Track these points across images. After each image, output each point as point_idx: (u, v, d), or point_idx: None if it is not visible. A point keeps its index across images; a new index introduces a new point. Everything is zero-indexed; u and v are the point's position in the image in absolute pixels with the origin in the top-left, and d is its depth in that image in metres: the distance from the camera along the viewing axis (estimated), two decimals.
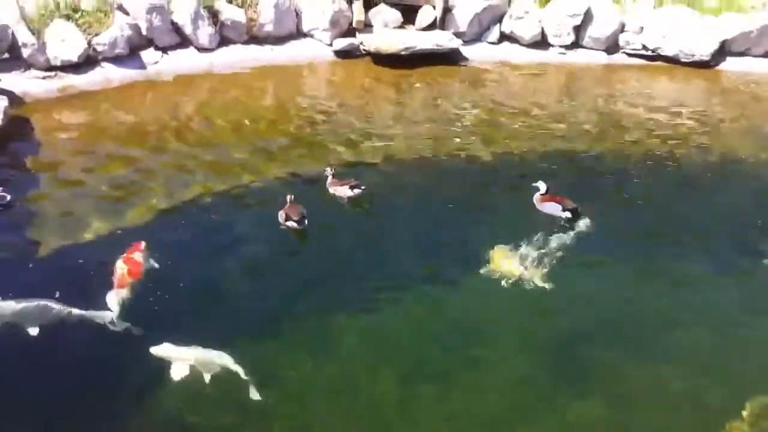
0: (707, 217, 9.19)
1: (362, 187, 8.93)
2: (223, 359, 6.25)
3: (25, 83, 11.22)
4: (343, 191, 8.91)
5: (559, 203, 8.85)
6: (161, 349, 6.27)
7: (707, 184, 10.13)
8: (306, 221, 8.17)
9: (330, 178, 9.05)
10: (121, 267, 7.14)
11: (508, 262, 7.70)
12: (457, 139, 10.98)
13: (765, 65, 14.40)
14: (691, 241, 8.65)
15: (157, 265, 7.38)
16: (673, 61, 14.41)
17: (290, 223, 8.16)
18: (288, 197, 8.35)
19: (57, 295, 6.72)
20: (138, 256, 7.34)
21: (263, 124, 10.90)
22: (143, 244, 7.52)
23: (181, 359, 6.20)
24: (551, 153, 10.76)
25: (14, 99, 10.70)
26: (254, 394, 6.02)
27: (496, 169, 10.28)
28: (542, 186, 9.01)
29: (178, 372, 6.13)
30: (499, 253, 7.84)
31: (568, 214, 8.78)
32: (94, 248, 7.60)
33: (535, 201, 9.04)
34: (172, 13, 12.74)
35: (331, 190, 9.00)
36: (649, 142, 11.31)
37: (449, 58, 14.12)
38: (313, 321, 6.95)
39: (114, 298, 6.85)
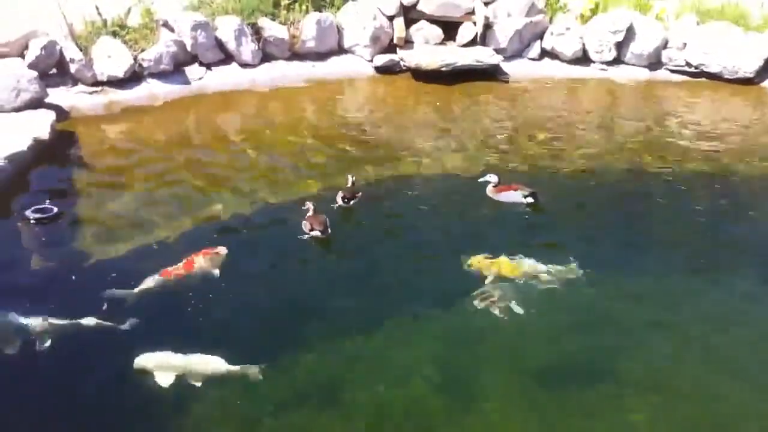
0: (755, 238, 9.01)
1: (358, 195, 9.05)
2: (214, 364, 6.22)
3: (72, 98, 11.44)
4: (305, 225, 8.40)
5: (516, 190, 9.06)
6: (144, 359, 6.23)
7: (750, 203, 9.95)
8: (329, 230, 8.26)
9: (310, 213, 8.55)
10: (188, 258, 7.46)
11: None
12: (494, 155, 10.94)
13: None
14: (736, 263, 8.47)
15: (216, 274, 7.49)
16: (716, 77, 14.28)
17: (314, 233, 8.23)
18: (309, 205, 8.46)
19: (103, 307, 6.81)
20: (202, 259, 7.53)
21: (303, 139, 10.96)
22: (222, 250, 7.73)
23: (167, 368, 6.18)
24: (591, 170, 10.68)
25: (61, 113, 10.90)
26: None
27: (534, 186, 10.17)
28: (493, 178, 9.25)
29: (163, 380, 6.09)
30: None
31: (529, 199, 9.01)
32: (139, 261, 7.66)
33: (489, 193, 9.24)
34: (216, 30, 12.92)
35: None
36: (691, 159, 11.16)
37: (490, 74, 14.13)
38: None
39: (151, 282, 7.16)
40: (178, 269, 7.37)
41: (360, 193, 9.09)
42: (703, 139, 11.91)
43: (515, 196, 9.15)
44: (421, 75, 13.80)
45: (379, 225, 8.94)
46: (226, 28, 12.90)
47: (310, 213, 8.39)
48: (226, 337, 6.68)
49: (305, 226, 8.32)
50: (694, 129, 12.36)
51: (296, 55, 13.67)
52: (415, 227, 8.91)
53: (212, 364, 6.22)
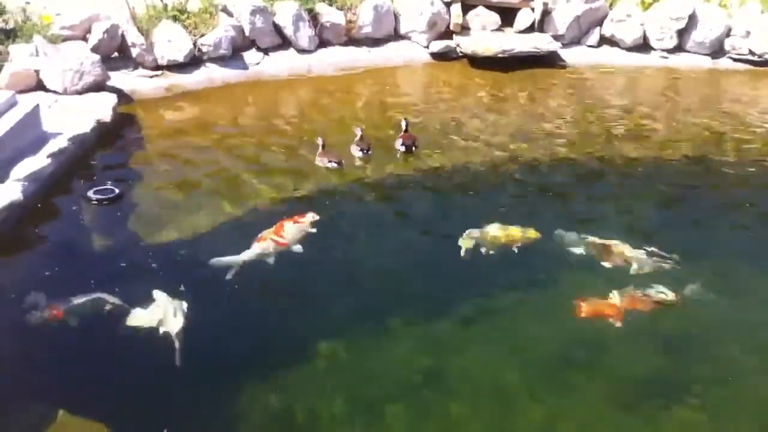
0: None
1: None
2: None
3: (133, 81, 11.59)
4: (322, 161, 9.51)
5: (328, 158, 9.45)
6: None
7: None
8: (370, 151, 9.80)
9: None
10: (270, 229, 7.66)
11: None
12: (550, 142, 10.80)
13: None
14: None
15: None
16: None
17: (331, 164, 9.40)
18: (357, 130, 9.83)
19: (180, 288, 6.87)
20: (291, 226, 7.76)
21: (359, 124, 10.92)
22: (310, 215, 8.01)
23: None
24: (649, 159, 10.46)
25: (123, 96, 11.06)
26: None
27: (586, 173, 10.05)
28: (357, 131, 9.84)
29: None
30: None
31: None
32: (200, 243, 7.73)
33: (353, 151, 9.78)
34: (274, 15, 12.98)
35: (318, 160, 9.57)
36: (753, 148, 10.93)
37: (547, 61, 14.01)
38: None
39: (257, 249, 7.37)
40: (271, 235, 7.57)
41: (371, 143, 9.95)
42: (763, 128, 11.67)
43: (398, 143, 9.89)
44: (478, 61, 13.72)
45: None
46: (284, 13, 12.96)
47: (358, 137, 9.77)
48: None
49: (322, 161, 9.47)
50: (755, 118, 12.09)
51: (353, 41, 13.67)
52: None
53: None
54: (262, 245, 7.45)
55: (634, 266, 7.49)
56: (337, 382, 6.08)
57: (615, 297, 6.87)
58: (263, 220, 8.05)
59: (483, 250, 7.76)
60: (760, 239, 8.49)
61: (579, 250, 7.75)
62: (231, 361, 6.22)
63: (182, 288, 6.80)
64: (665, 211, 9.08)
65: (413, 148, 9.99)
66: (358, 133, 9.91)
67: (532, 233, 7.93)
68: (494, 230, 7.95)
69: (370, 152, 9.86)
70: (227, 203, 8.53)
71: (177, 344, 6.16)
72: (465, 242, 7.78)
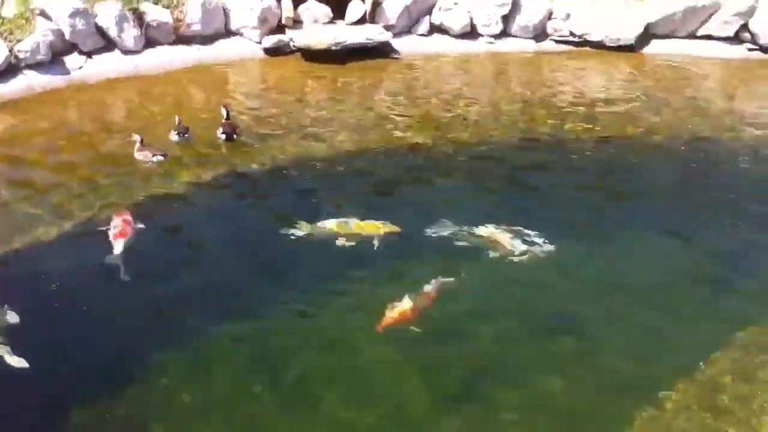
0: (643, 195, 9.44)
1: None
2: None
3: None
4: (146, 156, 9.58)
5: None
6: None
7: (633, 162, 10.42)
8: (187, 135, 10.09)
9: (138, 144, 9.67)
10: (117, 223, 7.76)
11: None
12: (386, 131, 11.01)
13: (688, 47, 14.71)
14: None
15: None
16: (599, 46, 14.73)
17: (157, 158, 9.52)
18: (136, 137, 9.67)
19: None
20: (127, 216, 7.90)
21: (191, 125, 10.80)
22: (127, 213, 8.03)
23: None
24: (484, 141, 10.87)
25: None
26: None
27: (423, 160, 10.31)
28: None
29: None
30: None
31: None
32: (37, 255, 7.63)
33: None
34: (96, 17, 12.61)
35: (138, 155, 9.63)
36: (578, 125, 11.50)
37: (380, 51, 14.19)
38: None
39: (119, 245, 7.44)
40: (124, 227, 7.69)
41: (239, 128, 10.35)
42: (591, 105, 12.31)
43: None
44: (312, 55, 13.76)
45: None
46: (107, 15, 12.61)
47: (138, 144, 9.62)
48: None
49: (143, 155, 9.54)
50: (582, 96, 12.74)
51: (181, 39, 13.43)
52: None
53: None
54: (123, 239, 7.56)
55: (512, 250, 7.72)
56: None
57: (408, 300, 6.84)
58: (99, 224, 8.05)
59: (339, 242, 7.83)
60: (602, 209, 9.09)
61: (462, 242, 7.91)
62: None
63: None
64: (516, 192, 9.52)
65: (234, 136, 10.22)
66: (177, 119, 10.19)
67: (389, 227, 7.98)
68: (331, 224, 8.02)
69: (187, 136, 10.13)
70: (40, 221, 8.27)
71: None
72: (303, 227, 7.95)
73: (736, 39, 14.80)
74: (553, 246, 7.79)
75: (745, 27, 14.66)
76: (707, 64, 14.32)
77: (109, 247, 7.47)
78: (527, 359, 6.61)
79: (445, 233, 8.01)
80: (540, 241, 7.87)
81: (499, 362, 6.58)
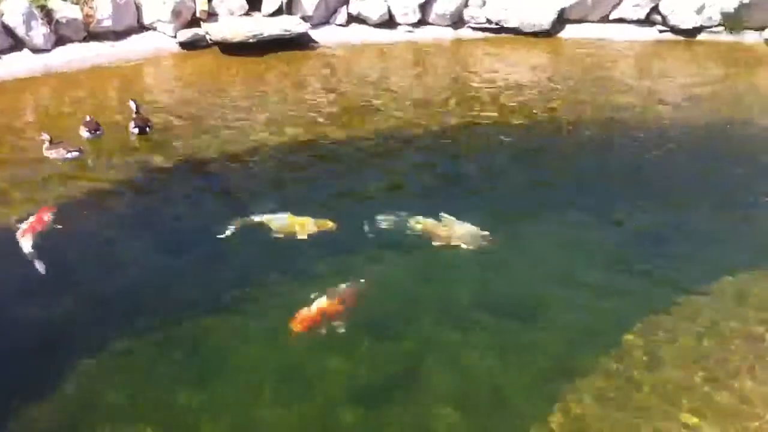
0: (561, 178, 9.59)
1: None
2: None
3: None
4: (59, 153, 9.44)
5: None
6: None
7: (554, 147, 10.59)
8: (99, 131, 9.94)
9: (47, 143, 9.50)
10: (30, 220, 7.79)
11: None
12: (312, 123, 10.97)
13: (601, 30, 15.00)
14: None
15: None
16: (516, 32, 14.84)
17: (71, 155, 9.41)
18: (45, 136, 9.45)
19: None
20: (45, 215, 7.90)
21: (105, 122, 10.55)
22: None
23: None
24: (406, 130, 10.88)
25: None
26: None
27: (346, 151, 10.26)
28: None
29: None
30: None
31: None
32: None
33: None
34: (2, 15, 12.23)
35: (48, 154, 9.47)
36: (496, 110, 11.62)
37: (298, 42, 14.10)
38: None
39: (27, 242, 7.43)
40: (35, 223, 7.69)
41: (151, 122, 10.24)
42: (508, 91, 12.46)
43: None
44: (229, 48, 13.59)
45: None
46: (13, 13, 12.27)
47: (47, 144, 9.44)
48: None
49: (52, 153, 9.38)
50: (499, 81, 12.87)
51: (93, 36, 13.12)
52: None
53: None
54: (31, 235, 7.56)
55: (459, 241, 7.72)
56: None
57: (320, 302, 6.75)
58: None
59: (275, 237, 7.74)
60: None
61: (407, 232, 7.88)
62: None
63: None
64: (441, 181, 9.52)
65: (147, 129, 10.13)
66: (88, 117, 10.07)
67: (322, 223, 7.89)
68: (263, 220, 7.94)
69: (99, 132, 9.99)
70: None
71: None
72: (233, 223, 7.86)
73: (647, 21, 15.13)
74: (487, 233, 7.84)
75: (655, 9, 14.99)
76: (620, 46, 14.59)
77: (19, 245, 7.37)
78: (456, 345, 6.62)
79: (379, 226, 7.98)
80: (474, 230, 7.89)
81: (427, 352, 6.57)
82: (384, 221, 8.06)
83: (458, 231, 7.87)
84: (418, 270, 7.60)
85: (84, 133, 9.93)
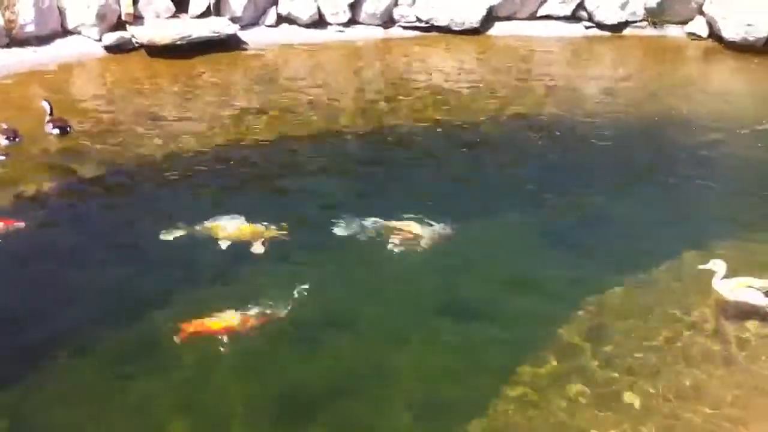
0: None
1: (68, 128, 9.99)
2: None
3: None
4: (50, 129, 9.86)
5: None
6: None
7: (479, 141, 10.73)
8: (17, 138, 9.74)
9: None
10: None
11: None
12: (242, 126, 10.89)
13: (530, 27, 15.26)
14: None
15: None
16: (446, 30, 15.00)
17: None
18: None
19: None
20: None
21: (27, 129, 10.31)
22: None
23: None
24: (339, 131, 10.93)
25: None
26: None
27: (278, 154, 10.19)
28: (3, 125, 9.77)
29: None
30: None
31: (55, 131, 9.92)
32: None
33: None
34: None
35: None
36: (429, 110, 11.70)
37: (228, 44, 13.98)
38: None
39: None
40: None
41: (70, 123, 10.18)
42: (439, 89, 12.60)
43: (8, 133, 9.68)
44: (157, 51, 13.39)
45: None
46: None
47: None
48: None
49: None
50: (430, 80, 13.00)
51: (15, 41, 12.81)
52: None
53: None
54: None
55: (425, 241, 7.70)
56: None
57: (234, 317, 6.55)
58: None
59: (223, 245, 7.54)
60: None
61: (371, 235, 7.81)
62: None
63: None
64: (384, 181, 9.49)
65: (68, 129, 10.09)
66: (3, 126, 9.85)
67: (272, 230, 7.71)
68: (211, 226, 7.76)
69: (18, 139, 9.79)
70: None
71: None
72: (178, 230, 7.70)
73: (574, 18, 15.43)
74: (444, 230, 7.90)
75: (581, 6, 15.29)
76: (548, 43, 14.89)
77: None
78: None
79: (328, 230, 7.90)
80: (422, 229, 7.88)
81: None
82: (330, 225, 7.97)
83: (415, 229, 7.87)
84: (356, 276, 7.53)
85: (2, 140, 9.70)
